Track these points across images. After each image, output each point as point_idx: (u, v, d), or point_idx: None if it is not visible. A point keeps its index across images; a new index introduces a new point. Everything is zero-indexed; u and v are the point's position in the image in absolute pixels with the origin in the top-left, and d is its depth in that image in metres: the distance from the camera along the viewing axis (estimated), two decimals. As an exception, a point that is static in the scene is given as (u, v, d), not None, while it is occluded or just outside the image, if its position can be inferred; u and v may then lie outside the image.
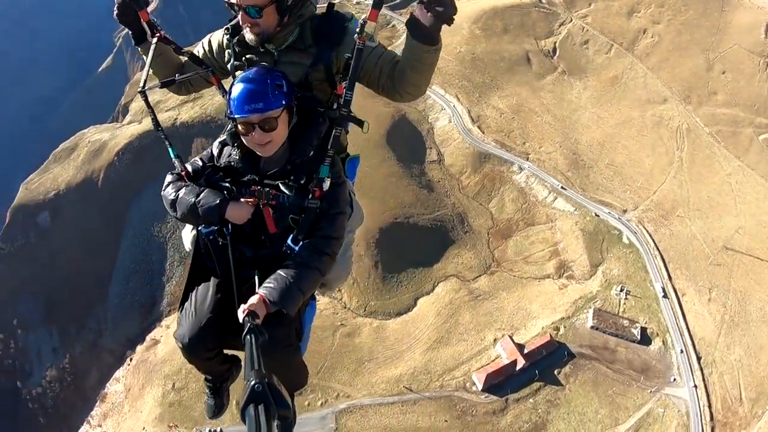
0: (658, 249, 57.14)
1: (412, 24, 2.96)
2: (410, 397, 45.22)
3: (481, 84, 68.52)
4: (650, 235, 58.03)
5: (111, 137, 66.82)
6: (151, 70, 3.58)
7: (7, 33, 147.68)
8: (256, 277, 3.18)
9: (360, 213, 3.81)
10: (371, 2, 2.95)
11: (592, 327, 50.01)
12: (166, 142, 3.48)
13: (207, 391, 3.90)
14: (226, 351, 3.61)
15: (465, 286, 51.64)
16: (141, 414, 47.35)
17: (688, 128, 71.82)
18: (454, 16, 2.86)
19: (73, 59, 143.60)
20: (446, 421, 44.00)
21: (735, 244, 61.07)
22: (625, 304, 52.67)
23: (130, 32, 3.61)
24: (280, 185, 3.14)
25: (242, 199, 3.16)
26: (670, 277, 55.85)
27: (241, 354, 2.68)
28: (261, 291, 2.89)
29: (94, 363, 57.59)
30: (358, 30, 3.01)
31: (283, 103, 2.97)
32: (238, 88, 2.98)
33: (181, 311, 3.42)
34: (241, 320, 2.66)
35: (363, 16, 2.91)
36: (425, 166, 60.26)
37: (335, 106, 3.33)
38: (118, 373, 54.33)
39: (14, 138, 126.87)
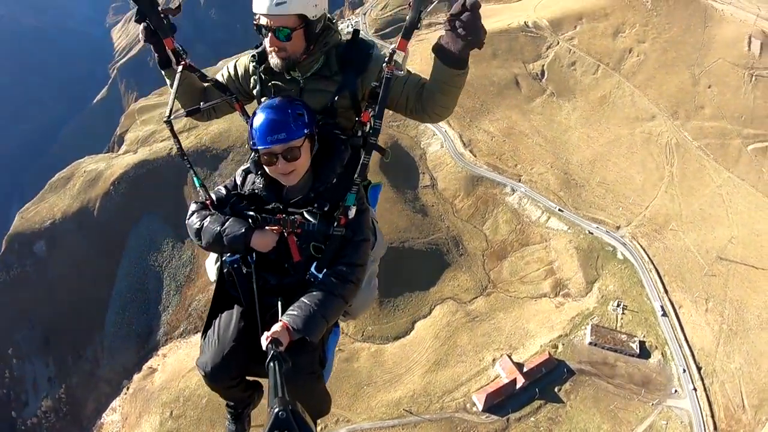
0: (652, 263, 58.15)
1: (441, 49, 3.02)
2: (410, 420, 45.72)
3: (471, 109, 70.68)
4: (644, 250, 59.15)
5: (107, 167, 68.61)
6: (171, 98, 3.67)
7: (3, 66, 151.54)
8: (280, 305, 3.22)
9: (383, 241, 3.85)
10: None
11: (590, 343, 50.70)
12: (191, 171, 3.57)
13: (228, 417, 3.90)
14: (248, 378, 3.66)
15: (462, 308, 52.65)
16: None
17: (677, 143, 73.75)
18: (484, 41, 2.92)
19: (69, 91, 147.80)
20: (448, 443, 44.74)
21: (729, 254, 62.20)
22: (622, 319, 53.53)
23: (156, 56, 3.60)
24: (305, 213, 3.19)
25: (267, 228, 3.22)
26: (666, 290, 56.76)
27: (263, 381, 2.88)
28: (284, 318, 2.95)
29: (90, 393, 58.09)
30: (386, 59, 3.08)
31: (305, 132, 3.05)
32: (259, 119, 3.05)
33: (204, 339, 3.44)
34: (264, 348, 2.70)
35: (392, 46, 3.03)
36: (419, 191, 61.67)
37: (359, 134, 3.44)
38: (115, 402, 54.83)
39: (11, 169, 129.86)
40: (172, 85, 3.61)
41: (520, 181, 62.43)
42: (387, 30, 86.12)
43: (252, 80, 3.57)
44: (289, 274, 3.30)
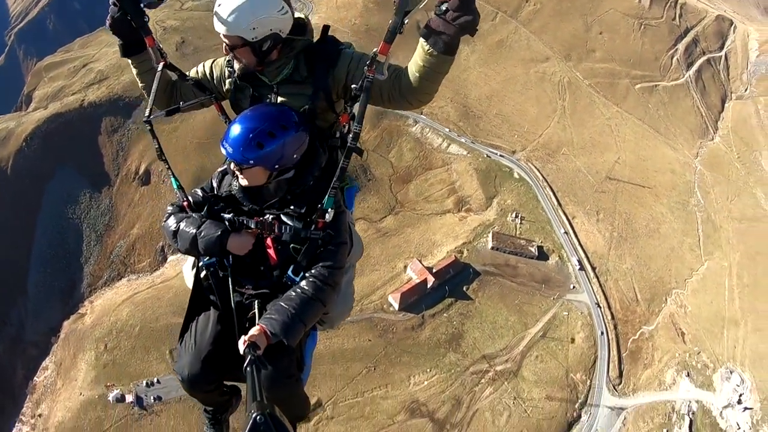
0: (546, 181, 71.63)
1: (431, 34, 3.16)
2: (332, 323, 55.80)
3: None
4: (539, 171, 72.52)
5: (17, 125, 72.07)
6: (139, 88, 4.06)
7: None
8: (257, 308, 3.55)
9: (360, 245, 4.16)
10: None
11: (492, 248, 62.78)
12: (170, 172, 3.89)
13: (206, 421, 4.29)
14: (226, 382, 4.02)
15: (372, 226, 62.97)
16: (76, 382, 53.44)
17: (569, 82, 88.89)
18: (477, 27, 3.08)
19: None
20: (370, 340, 54.58)
21: (617, 175, 77.49)
22: (520, 227, 66.32)
23: (119, 43, 3.86)
24: (282, 216, 3.47)
25: (244, 230, 3.51)
26: (559, 204, 70.36)
27: (242, 385, 3.20)
28: (262, 322, 3.22)
29: (18, 358, 61.09)
30: (368, 63, 3.26)
31: (250, 162, 3.29)
32: (232, 125, 3.37)
33: (181, 343, 3.78)
34: (242, 352, 2.96)
35: (374, 50, 3.23)
36: (327, 123, 72.67)
37: (337, 135, 3.82)
38: (45, 362, 59.11)
39: None
40: (137, 74, 4.05)
41: (421, 113, 74.90)
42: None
43: (227, 83, 3.94)
44: (266, 278, 3.61)
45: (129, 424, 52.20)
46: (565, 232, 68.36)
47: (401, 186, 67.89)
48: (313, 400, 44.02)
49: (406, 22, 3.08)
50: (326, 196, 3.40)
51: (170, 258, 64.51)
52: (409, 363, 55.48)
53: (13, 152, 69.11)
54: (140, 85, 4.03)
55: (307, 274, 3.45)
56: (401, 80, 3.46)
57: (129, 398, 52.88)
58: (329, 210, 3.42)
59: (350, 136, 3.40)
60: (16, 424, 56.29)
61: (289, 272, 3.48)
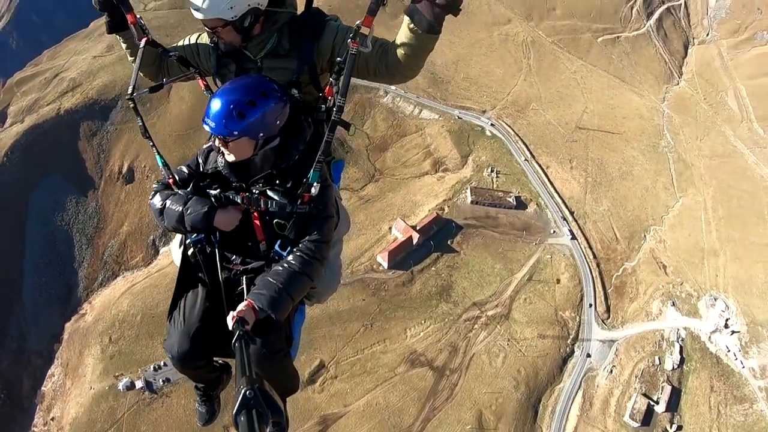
0: (518, 135, 75.61)
1: (416, 14, 3.34)
2: (326, 289, 59.84)
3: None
4: (510, 126, 76.46)
5: None
6: (131, 69, 4.05)
7: None
8: (245, 284, 3.67)
9: (347, 219, 4.26)
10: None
11: (472, 202, 66.62)
12: (154, 150, 3.92)
13: (198, 398, 4.43)
14: (216, 359, 4.13)
15: (354, 194, 66.54)
16: (85, 378, 56.23)
17: (533, 41, 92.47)
18: (462, 6, 3.20)
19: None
20: (364, 299, 58.17)
21: (586, 124, 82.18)
22: (497, 180, 70.45)
23: (106, 19, 3.99)
24: (268, 191, 3.57)
25: (230, 206, 3.63)
26: (533, 155, 74.39)
27: (232, 362, 3.19)
28: (250, 297, 3.32)
29: (23, 370, 62.71)
30: (351, 36, 3.36)
31: (235, 134, 3.34)
32: (212, 101, 3.42)
33: (170, 320, 3.86)
34: (230, 327, 3.04)
35: (357, 22, 3.33)
36: (301, 103, 76.90)
37: (322, 109, 3.84)
38: (51, 369, 61.52)
39: None
40: (126, 50, 4.20)
41: (391, 83, 79.13)
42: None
43: (212, 59, 4.05)
44: (254, 253, 3.73)
45: (141, 409, 54.75)
46: (541, 181, 72.52)
47: (378, 155, 72.03)
48: (315, 362, 47.85)
49: None
50: (311, 170, 3.47)
51: (162, 249, 67.50)
52: (403, 317, 59.39)
53: (-5, 169, 69.90)
54: (129, 59, 4.18)
55: (294, 249, 3.56)
56: (387, 55, 3.63)
57: (138, 384, 55.33)
58: (315, 184, 3.48)
59: (335, 109, 3.50)
60: (31, 434, 56.96)
61: (277, 247, 3.63)
